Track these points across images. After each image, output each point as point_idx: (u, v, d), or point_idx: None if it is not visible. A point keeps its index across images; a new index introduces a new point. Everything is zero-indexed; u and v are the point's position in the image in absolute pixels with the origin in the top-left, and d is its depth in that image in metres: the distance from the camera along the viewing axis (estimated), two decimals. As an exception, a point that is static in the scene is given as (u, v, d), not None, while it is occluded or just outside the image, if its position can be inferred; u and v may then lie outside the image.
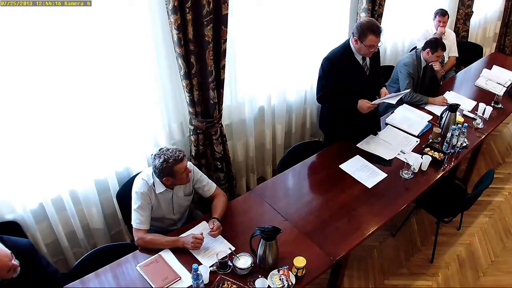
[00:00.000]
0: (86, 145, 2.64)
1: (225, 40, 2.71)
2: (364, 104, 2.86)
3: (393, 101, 2.94)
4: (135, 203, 2.36)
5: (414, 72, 3.63)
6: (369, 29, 2.68)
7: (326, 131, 3.33)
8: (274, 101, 3.58)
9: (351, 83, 2.88)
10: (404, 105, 3.63)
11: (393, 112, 3.54)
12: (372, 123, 3.25)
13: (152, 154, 2.34)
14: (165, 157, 2.25)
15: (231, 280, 2.17)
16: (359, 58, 2.85)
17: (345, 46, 2.85)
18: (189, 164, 2.42)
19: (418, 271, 3.19)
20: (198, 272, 2.07)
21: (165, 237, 2.35)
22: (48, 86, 2.35)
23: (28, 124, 2.37)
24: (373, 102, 2.90)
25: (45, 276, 2.12)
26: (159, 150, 2.31)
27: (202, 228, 2.45)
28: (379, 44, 2.78)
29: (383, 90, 3.08)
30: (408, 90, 3.15)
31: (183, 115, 3.05)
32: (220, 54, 2.75)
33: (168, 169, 2.26)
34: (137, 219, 2.35)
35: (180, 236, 2.37)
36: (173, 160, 2.25)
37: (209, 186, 2.56)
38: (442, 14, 4.24)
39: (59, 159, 2.58)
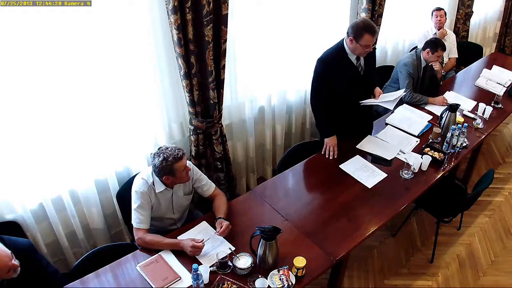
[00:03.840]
0: (86, 145, 2.64)
1: (225, 40, 2.71)
2: (332, 141, 2.97)
3: (391, 106, 2.96)
4: (135, 203, 2.36)
5: (414, 72, 3.63)
6: (365, 29, 2.67)
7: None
8: (274, 101, 3.58)
9: (345, 83, 2.87)
10: (404, 105, 3.63)
11: (393, 112, 3.54)
12: (365, 125, 3.26)
13: (151, 153, 2.34)
14: (165, 155, 2.25)
15: (231, 280, 2.17)
16: (353, 58, 2.83)
17: (339, 47, 2.84)
18: (189, 163, 2.42)
19: (418, 271, 3.19)
20: (198, 272, 2.07)
21: (165, 238, 2.34)
22: (48, 86, 2.35)
23: (28, 124, 2.37)
24: (363, 102, 2.95)
25: (45, 276, 2.12)
26: (158, 149, 2.31)
27: (202, 228, 2.45)
28: (373, 46, 2.79)
29: (377, 89, 3.08)
30: (403, 91, 3.16)
31: (183, 115, 3.05)
32: (220, 54, 2.75)
33: (167, 167, 2.26)
34: (137, 219, 2.34)
35: (180, 239, 2.36)
36: (173, 159, 2.25)
37: (208, 185, 2.56)
38: (437, 9, 4.28)
39: (59, 159, 2.58)
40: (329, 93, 2.90)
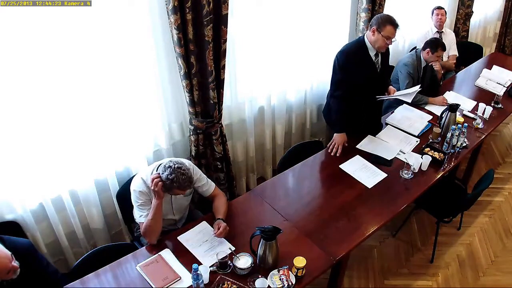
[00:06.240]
0: (86, 145, 2.64)
1: (225, 40, 2.71)
2: (340, 139, 3.00)
3: (409, 99, 3.08)
4: (135, 201, 2.36)
5: (414, 72, 3.63)
6: (388, 20, 2.82)
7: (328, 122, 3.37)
8: (274, 101, 3.58)
9: (363, 78, 2.93)
10: (404, 105, 3.62)
11: (393, 112, 3.54)
12: (374, 124, 3.29)
13: (163, 163, 2.27)
14: (175, 178, 2.20)
15: (231, 280, 2.17)
16: (372, 54, 2.91)
17: (360, 42, 2.92)
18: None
19: (418, 271, 3.19)
20: (198, 272, 2.07)
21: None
22: (48, 86, 2.35)
23: (28, 124, 2.37)
24: (380, 97, 3.02)
25: (45, 276, 2.12)
26: (175, 163, 2.23)
27: (202, 228, 2.45)
28: (393, 40, 2.88)
29: (391, 88, 3.18)
30: (419, 87, 3.21)
31: (183, 115, 3.05)
32: (220, 54, 2.75)
33: (169, 185, 2.24)
34: (140, 214, 2.35)
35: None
36: (178, 185, 2.23)
37: (208, 185, 2.55)
38: (438, 7, 4.30)
39: (59, 159, 2.58)
40: (347, 96, 2.95)
